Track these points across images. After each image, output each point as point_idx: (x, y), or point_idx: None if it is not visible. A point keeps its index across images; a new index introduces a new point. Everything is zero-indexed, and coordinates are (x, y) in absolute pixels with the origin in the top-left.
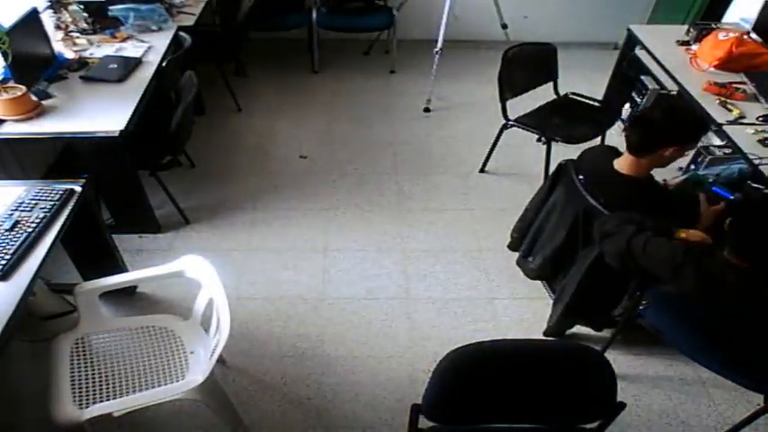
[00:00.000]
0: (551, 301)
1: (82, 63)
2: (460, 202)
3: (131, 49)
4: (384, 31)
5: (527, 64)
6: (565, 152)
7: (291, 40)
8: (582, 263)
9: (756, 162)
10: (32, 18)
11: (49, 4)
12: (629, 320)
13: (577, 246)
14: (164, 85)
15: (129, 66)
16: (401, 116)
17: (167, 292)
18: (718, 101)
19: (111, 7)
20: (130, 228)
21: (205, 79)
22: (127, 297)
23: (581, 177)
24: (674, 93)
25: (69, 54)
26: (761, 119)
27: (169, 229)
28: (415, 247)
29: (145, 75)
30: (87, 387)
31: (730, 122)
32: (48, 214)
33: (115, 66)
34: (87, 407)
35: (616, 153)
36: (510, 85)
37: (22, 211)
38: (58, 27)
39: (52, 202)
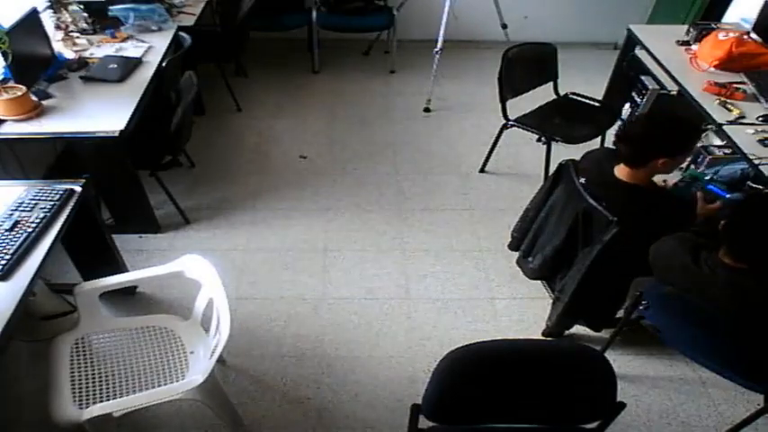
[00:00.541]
0: (551, 301)
1: (82, 63)
2: (460, 202)
3: (131, 49)
4: (384, 31)
5: (527, 64)
6: (565, 152)
7: (291, 40)
8: (581, 263)
9: (756, 162)
10: (32, 18)
11: (48, 4)
12: (629, 320)
13: (577, 246)
14: (164, 85)
15: (129, 66)
16: (401, 116)
17: (167, 292)
18: (718, 101)
19: (111, 7)
20: (130, 228)
21: (205, 79)
22: (127, 297)
23: (582, 181)
24: (674, 93)
25: (69, 54)
26: (761, 119)
27: (169, 229)
28: (415, 247)
29: (145, 75)
30: (87, 387)
31: (730, 122)
32: (48, 214)
33: (115, 66)
34: (87, 407)
35: (617, 157)
36: (510, 85)
37: (22, 211)
38: (58, 27)
39: (52, 202)
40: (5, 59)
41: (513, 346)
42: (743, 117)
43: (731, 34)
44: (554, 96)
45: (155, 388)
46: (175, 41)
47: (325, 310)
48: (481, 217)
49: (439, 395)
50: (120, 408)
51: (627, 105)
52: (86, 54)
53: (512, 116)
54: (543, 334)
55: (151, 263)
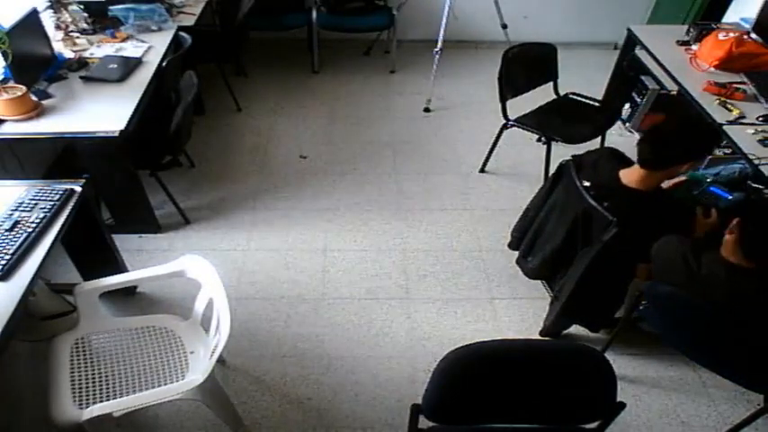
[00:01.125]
0: (550, 301)
1: (82, 63)
2: (460, 202)
3: (131, 49)
4: (384, 31)
5: (527, 64)
6: (565, 152)
7: (291, 40)
8: (581, 263)
9: (756, 162)
10: (32, 18)
11: (49, 4)
12: (628, 321)
13: (577, 246)
14: (164, 85)
15: (129, 66)
16: (401, 116)
17: (167, 292)
18: (718, 101)
19: (111, 7)
20: (130, 228)
21: (205, 79)
22: (127, 297)
23: (585, 184)
24: (674, 93)
25: (69, 54)
26: (761, 119)
27: (169, 229)
28: (415, 247)
29: (145, 75)
30: (87, 387)
31: (730, 122)
32: (48, 214)
33: (115, 66)
34: (87, 407)
35: (620, 159)
36: (510, 85)
37: (22, 211)
38: (58, 27)
39: (52, 202)
40: (5, 59)
41: (513, 346)
42: (743, 117)
43: (731, 34)
44: (554, 96)
45: (155, 388)
46: (175, 41)
47: (325, 310)
48: (481, 217)
49: (439, 395)
50: (120, 408)
51: (627, 105)
52: (86, 54)
53: (512, 116)
54: (541, 333)
55: (151, 263)
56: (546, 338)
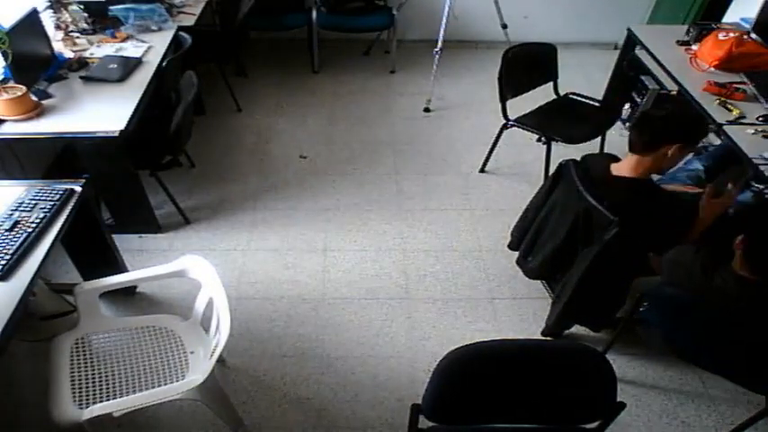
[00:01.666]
0: (552, 301)
1: (82, 63)
2: (460, 202)
3: (131, 49)
4: (384, 31)
5: (527, 64)
6: (565, 152)
7: (291, 40)
8: (582, 263)
9: (757, 162)
10: (32, 18)
11: (48, 4)
12: (629, 321)
13: (577, 246)
14: (164, 85)
15: (129, 66)
16: (401, 116)
17: (167, 292)
18: (718, 101)
19: (111, 7)
20: (130, 228)
21: (205, 79)
22: (127, 297)
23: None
24: (674, 93)
25: (69, 54)
26: (761, 119)
27: (169, 229)
28: (415, 247)
29: (145, 75)
30: (87, 387)
31: (730, 122)
32: (48, 214)
33: (115, 66)
34: (87, 407)
35: (614, 158)
36: (510, 85)
37: (22, 211)
38: (58, 27)
39: (52, 202)
40: (5, 59)
41: (512, 345)
42: (743, 117)
43: (731, 34)
44: (554, 96)
45: (155, 388)
46: (175, 41)
47: (325, 310)
48: (481, 217)
49: (439, 395)
50: (120, 408)
51: (627, 105)
52: (86, 54)
53: (512, 116)
54: (542, 333)
55: (151, 263)
56: (547, 338)
